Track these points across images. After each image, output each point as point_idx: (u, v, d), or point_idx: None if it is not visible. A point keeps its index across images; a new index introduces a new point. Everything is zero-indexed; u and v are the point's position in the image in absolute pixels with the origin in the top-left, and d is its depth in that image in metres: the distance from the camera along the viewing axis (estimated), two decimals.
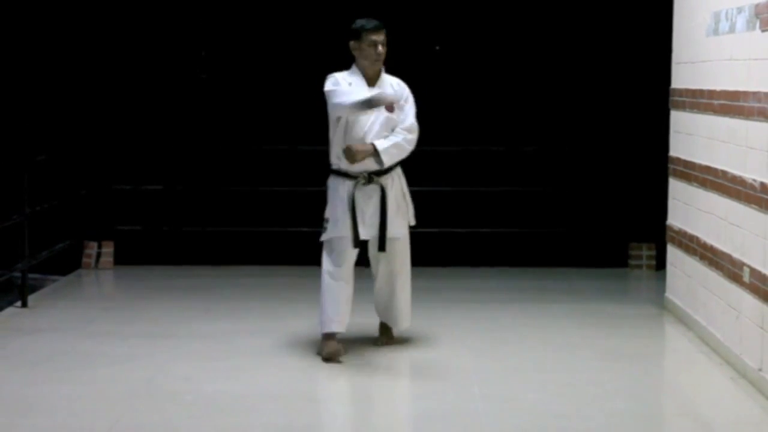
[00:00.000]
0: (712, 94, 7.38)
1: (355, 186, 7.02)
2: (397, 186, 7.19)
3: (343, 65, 9.89)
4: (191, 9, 10.13)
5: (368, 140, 7.01)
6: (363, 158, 6.96)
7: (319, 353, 7.07)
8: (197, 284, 9.40)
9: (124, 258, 10.15)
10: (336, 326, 7.04)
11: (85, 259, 10.11)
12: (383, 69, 7.15)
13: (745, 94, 6.70)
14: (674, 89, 8.36)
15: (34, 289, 8.91)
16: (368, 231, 7.08)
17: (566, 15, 10.09)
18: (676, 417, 6.23)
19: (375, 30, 7.01)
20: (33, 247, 8.77)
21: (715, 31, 7.34)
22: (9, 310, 8.38)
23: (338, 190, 7.06)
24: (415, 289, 9.16)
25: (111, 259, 10.14)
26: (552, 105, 10.15)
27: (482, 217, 10.19)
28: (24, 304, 8.45)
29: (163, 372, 6.80)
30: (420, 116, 8.14)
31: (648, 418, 6.11)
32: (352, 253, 7.10)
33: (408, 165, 9.86)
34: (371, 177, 7.05)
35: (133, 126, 10.16)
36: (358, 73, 7.07)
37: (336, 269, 7.04)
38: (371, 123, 7.03)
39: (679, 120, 8.21)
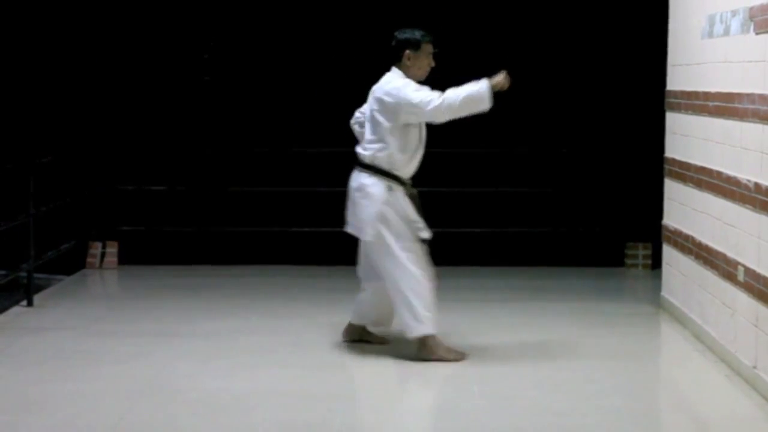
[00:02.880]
0: (707, 95, 7.42)
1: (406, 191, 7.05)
2: None
3: (344, 65, 10.03)
4: (194, 11, 10.17)
5: (423, 144, 7.05)
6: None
7: (425, 358, 7.01)
8: (200, 283, 9.46)
9: (128, 258, 10.21)
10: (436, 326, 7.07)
11: (89, 259, 10.17)
12: None
13: (739, 96, 6.74)
14: (669, 91, 8.41)
15: (39, 288, 8.96)
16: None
17: (562, 18, 10.13)
18: (671, 414, 6.28)
19: (431, 41, 6.98)
20: (38, 247, 8.82)
21: (710, 34, 7.38)
22: (15, 309, 8.43)
23: (401, 193, 7.03)
24: None
25: (115, 259, 10.20)
26: (549, 106, 10.19)
27: (479, 217, 10.22)
28: (29, 304, 8.51)
29: (167, 370, 6.85)
30: None
31: (644, 415, 6.15)
32: None
33: None
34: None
35: (137, 127, 10.22)
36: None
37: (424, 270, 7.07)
38: (422, 126, 7.07)
39: (675, 121, 8.25)
